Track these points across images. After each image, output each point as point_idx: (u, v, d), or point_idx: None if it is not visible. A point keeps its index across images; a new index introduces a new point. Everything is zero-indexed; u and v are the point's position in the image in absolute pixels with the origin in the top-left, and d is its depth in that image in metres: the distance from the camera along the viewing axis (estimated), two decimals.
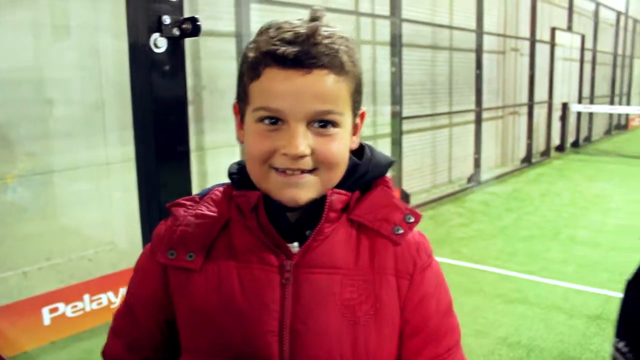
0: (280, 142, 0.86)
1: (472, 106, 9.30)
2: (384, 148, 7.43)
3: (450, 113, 9.09)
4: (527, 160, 11.47)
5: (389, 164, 0.99)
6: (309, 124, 0.87)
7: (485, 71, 9.56)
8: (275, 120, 0.87)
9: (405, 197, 7.38)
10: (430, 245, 0.99)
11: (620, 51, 18.33)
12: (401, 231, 0.94)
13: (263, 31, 0.89)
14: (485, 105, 9.58)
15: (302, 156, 0.86)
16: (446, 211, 7.57)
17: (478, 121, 9.36)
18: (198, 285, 0.93)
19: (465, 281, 4.89)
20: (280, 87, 0.85)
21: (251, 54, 0.89)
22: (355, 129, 0.95)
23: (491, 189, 9.04)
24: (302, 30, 0.85)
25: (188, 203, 1.01)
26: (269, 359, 0.88)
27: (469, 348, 3.62)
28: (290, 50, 0.84)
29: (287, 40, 0.85)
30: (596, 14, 15.57)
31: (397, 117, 7.25)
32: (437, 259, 1.01)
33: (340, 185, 0.93)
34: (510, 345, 3.73)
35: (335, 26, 0.89)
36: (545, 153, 12.44)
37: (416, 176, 8.17)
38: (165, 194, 1.55)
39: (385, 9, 7.16)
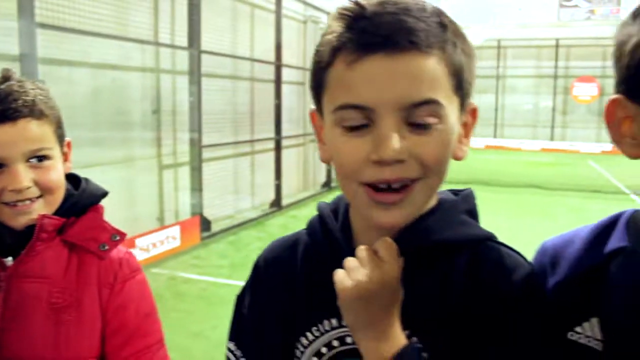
0: (5, 182, 1.06)
1: (273, 134, 9.73)
2: (184, 176, 7.50)
3: (251, 141, 9.43)
4: (327, 184, 12.22)
5: (102, 194, 1.22)
6: (27, 160, 1.07)
7: (286, 101, 10.08)
8: None
9: (207, 223, 7.49)
10: (135, 262, 1.21)
11: None
12: (106, 247, 1.16)
13: None
14: (285, 133, 10.08)
15: (28, 188, 1.07)
16: (247, 236, 7.83)
17: (278, 148, 9.82)
18: None
19: None
20: None
21: None
22: (65, 156, 1.17)
23: (292, 213, 9.51)
24: (0, 90, 1.05)
25: None
26: None
27: None
28: None
29: None
30: None
31: (196, 146, 7.39)
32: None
33: (56, 212, 1.13)
34: None
35: (23, 79, 1.10)
36: None
37: (218, 203, 8.33)
38: None
39: (184, 40, 7.30)
